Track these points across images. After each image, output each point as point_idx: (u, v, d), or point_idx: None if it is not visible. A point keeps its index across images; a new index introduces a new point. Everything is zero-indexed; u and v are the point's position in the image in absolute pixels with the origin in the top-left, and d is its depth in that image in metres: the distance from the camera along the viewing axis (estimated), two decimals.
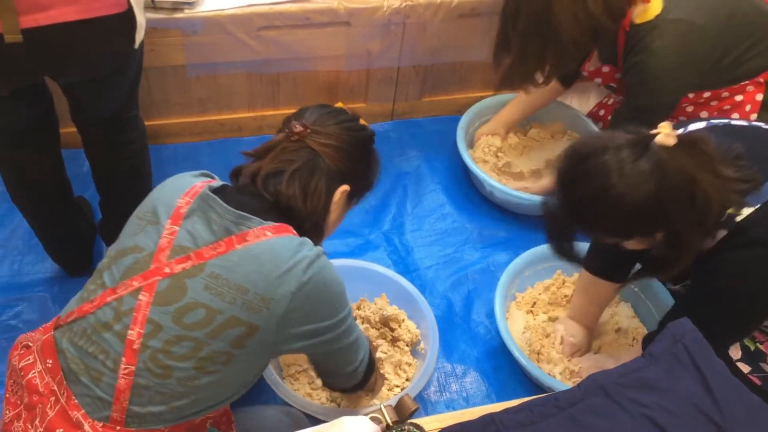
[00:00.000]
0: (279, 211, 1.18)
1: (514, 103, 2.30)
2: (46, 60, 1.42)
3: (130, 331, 1.07)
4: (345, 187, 1.25)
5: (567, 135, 2.39)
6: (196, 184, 1.18)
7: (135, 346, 1.07)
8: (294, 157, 1.20)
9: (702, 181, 1.19)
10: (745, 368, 1.45)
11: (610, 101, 2.29)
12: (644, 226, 1.26)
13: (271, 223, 1.13)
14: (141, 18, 1.48)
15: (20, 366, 1.14)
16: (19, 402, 1.14)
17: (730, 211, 1.25)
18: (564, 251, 1.44)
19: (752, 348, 1.44)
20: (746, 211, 1.25)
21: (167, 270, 1.09)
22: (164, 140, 2.33)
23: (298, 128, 1.21)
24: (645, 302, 1.87)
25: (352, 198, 1.32)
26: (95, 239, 2.01)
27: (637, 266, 1.58)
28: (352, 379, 1.33)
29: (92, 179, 1.88)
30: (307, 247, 1.13)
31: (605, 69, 1.90)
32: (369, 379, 1.40)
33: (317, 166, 1.20)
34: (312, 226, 1.22)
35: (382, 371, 1.67)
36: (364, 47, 2.24)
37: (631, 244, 1.34)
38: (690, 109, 1.86)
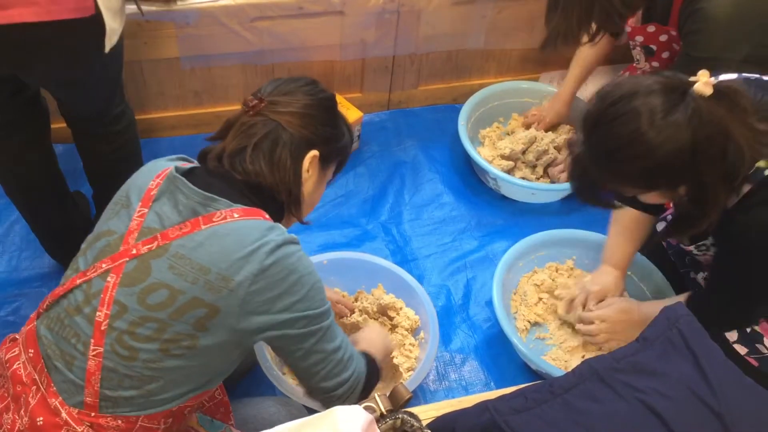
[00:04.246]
0: (249, 190, 1.15)
1: (571, 73, 2.27)
2: (6, 57, 1.42)
3: (98, 313, 1.07)
4: (314, 153, 1.20)
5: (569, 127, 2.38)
6: (168, 167, 1.16)
7: (103, 328, 1.07)
8: (255, 131, 1.16)
9: (735, 133, 1.15)
10: (742, 350, 1.44)
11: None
12: (671, 177, 1.21)
13: (240, 206, 1.11)
14: (114, 23, 1.46)
15: (6, 358, 1.16)
16: (6, 395, 1.15)
17: (759, 164, 1.22)
18: (586, 195, 1.37)
19: (748, 330, 1.44)
20: None
21: (134, 251, 1.08)
22: (160, 133, 2.33)
23: (254, 102, 1.18)
24: (639, 285, 1.86)
25: (326, 164, 1.26)
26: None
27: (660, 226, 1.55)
28: (332, 400, 1.21)
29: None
30: (276, 232, 1.10)
31: (651, 29, 1.85)
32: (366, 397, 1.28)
33: (279, 136, 1.16)
34: (287, 197, 1.19)
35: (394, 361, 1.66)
36: (358, 36, 2.22)
37: (651, 197, 1.29)
38: None
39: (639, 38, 1.91)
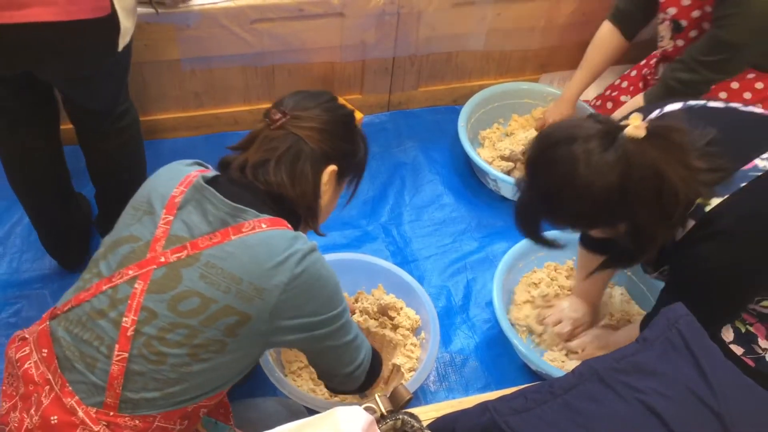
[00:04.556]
0: (272, 200, 1.19)
1: (578, 75, 2.18)
2: (22, 56, 1.43)
3: (124, 318, 1.08)
4: (332, 167, 1.25)
5: None
6: (190, 174, 1.19)
7: (129, 333, 1.08)
8: (277, 145, 1.21)
9: (670, 174, 1.17)
10: (739, 350, 1.45)
11: (614, 93, 2.27)
12: (607, 216, 1.26)
13: (266, 216, 1.14)
14: (127, 22, 1.48)
15: (17, 357, 1.16)
16: (14, 393, 1.15)
17: (699, 200, 1.24)
18: (534, 236, 1.41)
19: (743, 330, 1.44)
20: (715, 201, 1.23)
21: (162, 259, 1.10)
22: (161, 135, 2.33)
23: (278, 116, 1.23)
24: (639, 286, 1.86)
25: (342, 178, 1.32)
26: (91, 235, 2.01)
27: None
28: (350, 381, 1.31)
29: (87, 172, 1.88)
30: (301, 241, 1.14)
31: (686, 2, 1.84)
32: (370, 384, 1.38)
33: (301, 150, 1.21)
34: (305, 210, 1.23)
35: (394, 360, 1.67)
36: (358, 38, 2.23)
37: (595, 233, 1.34)
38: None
39: (671, 10, 1.89)
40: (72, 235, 1.92)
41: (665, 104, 1.40)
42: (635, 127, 1.17)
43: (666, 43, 1.99)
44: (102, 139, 1.77)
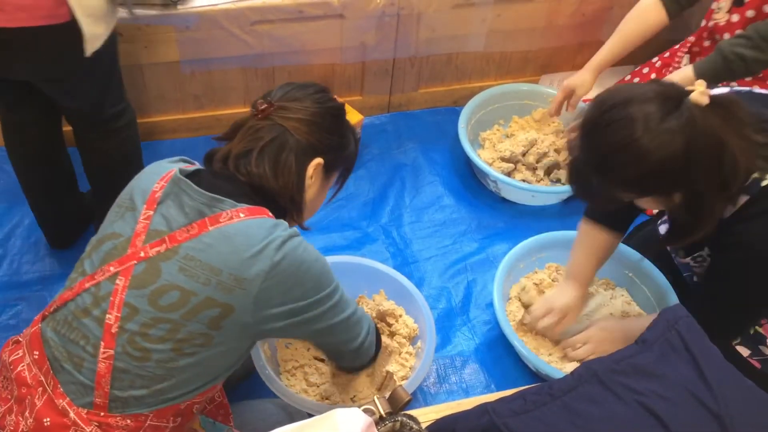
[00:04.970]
0: (254, 192, 1.17)
1: (607, 44, 2.06)
2: None
3: (108, 315, 1.08)
4: (318, 160, 1.23)
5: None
6: (172, 169, 1.18)
7: (113, 330, 1.08)
8: (262, 135, 1.19)
9: (731, 144, 1.16)
10: (745, 351, 1.44)
11: (635, 80, 2.24)
12: (664, 184, 1.23)
13: (244, 206, 1.13)
14: (96, 28, 1.47)
15: (10, 360, 1.16)
16: (9, 397, 1.15)
17: (755, 176, 1.22)
18: (586, 195, 1.38)
19: (752, 331, 1.44)
20: None
21: (142, 254, 1.10)
22: (160, 137, 2.33)
23: (263, 105, 1.20)
24: (640, 287, 1.86)
25: (330, 172, 1.29)
26: (86, 225, 2.03)
27: (662, 231, 1.53)
28: (360, 355, 1.32)
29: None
30: (280, 228, 1.12)
31: None
32: (377, 353, 1.41)
33: (285, 142, 1.19)
34: (289, 203, 1.21)
35: (388, 367, 1.66)
36: (358, 39, 2.23)
37: (646, 203, 1.30)
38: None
39: None
40: (73, 224, 1.94)
41: (711, 88, 1.38)
42: (701, 93, 1.15)
43: (721, 17, 1.92)
44: (96, 140, 1.77)
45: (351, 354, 1.31)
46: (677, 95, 1.17)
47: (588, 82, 2.09)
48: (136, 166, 1.86)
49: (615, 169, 1.22)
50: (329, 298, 1.18)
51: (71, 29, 1.43)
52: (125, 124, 1.78)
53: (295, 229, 1.15)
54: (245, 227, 1.10)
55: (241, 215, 1.11)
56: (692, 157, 1.15)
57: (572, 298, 1.68)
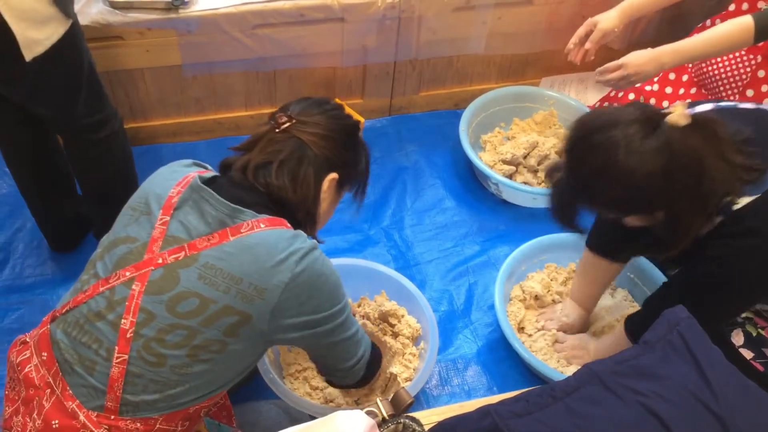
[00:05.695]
0: (272, 202, 1.19)
1: None
2: None
3: (123, 320, 1.09)
4: (333, 175, 1.25)
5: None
6: (188, 174, 1.19)
7: (128, 335, 1.08)
8: (281, 148, 1.21)
9: (710, 164, 1.18)
10: (748, 354, 1.44)
11: (620, 94, 2.26)
12: (646, 203, 1.26)
13: (265, 216, 1.14)
14: (35, 33, 1.43)
15: (17, 361, 1.16)
16: (17, 397, 1.15)
17: (728, 198, 1.25)
18: (569, 222, 1.41)
19: (754, 334, 1.44)
20: (744, 200, 1.24)
21: (160, 261, 1.11)
22: (162, 140, 2.33)
23: (284, 119, 1.23)
24: (642, 288, 1.86)
25: (341, 187, 1.32)
26: (87, 228, 2.04)
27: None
28: (351, 375, 1.33)
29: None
30: (300, 239, 1.14)
31: None
32: (371, 376, 1.40)
33: (304, 155, 1.21)
34: (304, 216, 1.23)
35: (391, 369, 1.66)
36: (359, 43, 2.23)
37: (631, 221, 1.34)
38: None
39: None
40: (59, 217, 1.94)
41: (695, 104, 1.40)
42: (679, 114, 1.18)
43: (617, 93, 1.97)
44: (77, 149, 1.75)
45: (342, 372, 1.32)
46: (656, 117, 1.20)
47: (613, 18, 1.93)
48: (127, 175, 1.85)
49: (599, 190, 1.26)
50: (340, 313, 1.20)
51: (5, 33, 1.39)
52: (108, 135, 1.74)
53: (315, 241, 1.17)
54: (266, 237, 1.11)
55: (262, 225, 1.12)
56: (672, 177, 1.18)
57: (574, 319, 1.79)
